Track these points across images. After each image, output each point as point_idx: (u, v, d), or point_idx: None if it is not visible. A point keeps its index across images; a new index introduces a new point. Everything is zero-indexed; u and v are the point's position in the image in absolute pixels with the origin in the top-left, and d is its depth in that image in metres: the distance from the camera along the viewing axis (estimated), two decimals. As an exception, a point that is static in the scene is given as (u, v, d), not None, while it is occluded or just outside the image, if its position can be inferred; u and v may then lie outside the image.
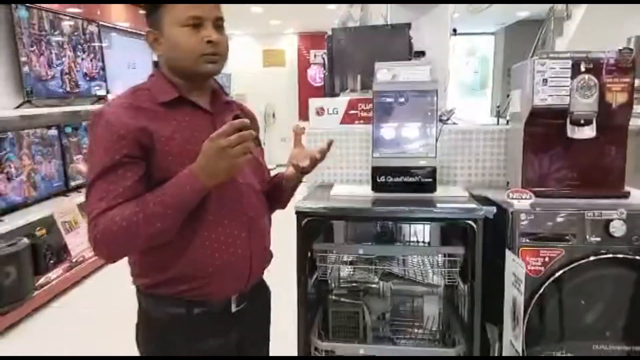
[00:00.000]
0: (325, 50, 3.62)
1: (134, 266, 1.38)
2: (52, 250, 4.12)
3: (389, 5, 3.76)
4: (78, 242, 4.31)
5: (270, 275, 1.53)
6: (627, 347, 1.70)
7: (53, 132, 4.28)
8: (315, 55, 9.38)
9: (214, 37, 1.27)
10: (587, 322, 1.71)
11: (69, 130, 4.51)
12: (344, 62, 3.17)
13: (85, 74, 4.74)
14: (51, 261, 4.07)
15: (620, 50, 1.84)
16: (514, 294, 1.69)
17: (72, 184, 4.50)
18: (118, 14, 5.79)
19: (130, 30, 5.90)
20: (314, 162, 1.48)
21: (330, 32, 3.35)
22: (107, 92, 5.03)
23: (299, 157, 1.50)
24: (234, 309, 1.39)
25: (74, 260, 4.20)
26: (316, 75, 9.42)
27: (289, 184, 1.55)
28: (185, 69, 1.30)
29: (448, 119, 2.35)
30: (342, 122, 2.25)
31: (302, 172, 1.50)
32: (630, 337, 1.70)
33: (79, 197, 4.43)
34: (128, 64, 5.63)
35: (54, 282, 3.89)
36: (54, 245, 4.16)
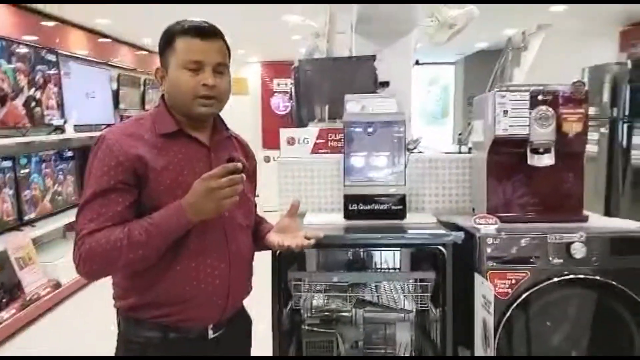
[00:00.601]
0: (292, 81, 3.70)
1: (116, 287, 1.43)
2: (4, 288, 3.96)
3: (353, 37, 3.88)
4: (33, 279, 4.12)
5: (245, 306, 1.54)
6: (592, 366, 1.77)
7: (7, 163, 4.09)
8: (278, 84, 9.50)
9: (210, 82, 1.36)
10: (553, 341, 1.78)
11: (23, 161, 4.31)
12: (310, 92, 3.24)
13: (42, 103, 4.59)
14: (3, 300, 3.88)
15: (574, 83, 1.95)
16: (484, 315, 1.74)
17: (26, 217, 4.29)
18: (77, 42, 5.75)
19: (89, 58, 5.86)
20: (299, 248, 1.53)
21: (296, 63, 3.43)
22: (65, 121, 4.91)
23: (287, 230, 1.56)
24: (210, 335, 1.43)
25: (27, 298, 3.99)
26: (279, 103, 9.52)
27: (266, 244, 1.59)
28: (182, 108, 1.39)
29: (415, 148, 2.42)
30: (312, 152, 2.29)
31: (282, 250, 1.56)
32: (595, 354, 1.76)
33: (33, 232, 4.28)
34: (87, 93, 5.56)
35: (6, 321, 3.70)
36: (7, 283, 3.99)
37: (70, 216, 4.65)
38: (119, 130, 1.38)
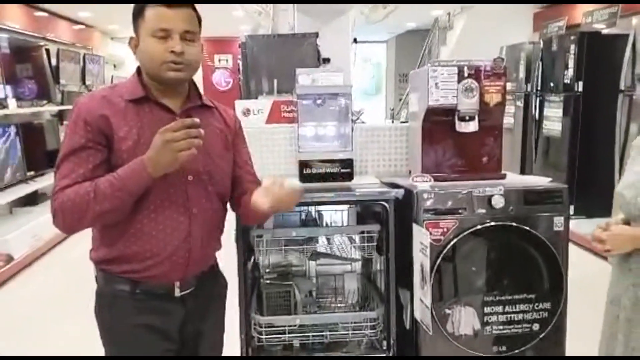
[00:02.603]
0: (239, 57, 3.85)
1: (93, 240, 1.57)
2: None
3: (295, 14, 4.07)
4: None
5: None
6: (509, 297, 2.13)
7: None
8: (219, 60, 9.50)
9: (177, 48, 1.43)
10: (478, 279, 2.12)
11: None
12: (258, 68, 3.42)
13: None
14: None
15: (494, 59, 2.27)
16: (421, 260, 2.04)
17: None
18: (13, 16, 5.53)
19: (26, 32, 5.66)
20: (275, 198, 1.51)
21: (243, 39, 3.59)
22: (5, 97, 4.79)
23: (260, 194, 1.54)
24: (177, 293, 1.54)
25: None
26: (221, 79, 9.53)
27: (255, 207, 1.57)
28: (153, 75, 1.49)
29: (358, 118, 2.69)
30: (267, 122, 2.50)
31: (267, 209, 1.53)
32: (511, 288, 2.13)
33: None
34: (26, 68, 5.40)
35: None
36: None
37: (16, 192, 4.59)
38: (90, 95, 1.52)
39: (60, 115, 6.40)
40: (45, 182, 5.59)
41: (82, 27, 7.58)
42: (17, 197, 4.87)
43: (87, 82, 7.28)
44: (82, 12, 6.88)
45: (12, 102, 4.80)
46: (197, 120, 1.37)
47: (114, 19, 7.64)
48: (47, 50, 5.95)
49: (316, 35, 3.41)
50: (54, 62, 6.17)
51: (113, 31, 8.95)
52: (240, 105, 2.50)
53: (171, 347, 1.56)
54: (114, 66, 9.25)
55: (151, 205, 1.46)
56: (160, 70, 1.46)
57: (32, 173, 5.33)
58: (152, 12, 1.44)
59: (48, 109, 6.04)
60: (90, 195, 1.37)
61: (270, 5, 4.34)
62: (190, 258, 1.53)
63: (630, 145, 1.77)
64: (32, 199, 5.51)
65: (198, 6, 1.52)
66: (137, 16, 1.47)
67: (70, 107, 6.41)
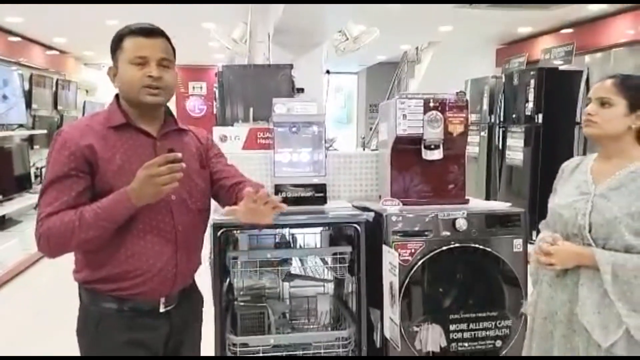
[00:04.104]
0: (216, 85, 3.97)
1: (77, 262, 1.60)
2: None
3: (270, 46, 4.23)
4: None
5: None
6: (473, 314, 2.25)
7: None
8: (194, 87, 9.60)
9: (155, 73, 1.51)
10: (444, 298, 2.24)
11: None
12: (234, 96, 3.55)
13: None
14: None
15: (457, 92, 2.45)
16: (391, 279, 2.15)
17: None
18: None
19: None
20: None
21: (220, 68, 3.71)
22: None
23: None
24: (162, 309, 1.60)
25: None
26: (195, 106, 9.62)
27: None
28: (132, 99, 1.56)
29: (331, 146, 2.82)
30: (243, 148, 2.60)
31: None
32: (475, 306, 2.25)
33: None
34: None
35: None
36: None
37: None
38: (73, 126, 1.58)
39: (30, 140, 6.36)
40: (14, 206, 5.52)
41: (56, 52, 7.59)
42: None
43: (59, 107, 7.26)
44: (57, 37, 6.92)
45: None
46: (179, 155, 1.43)
47: (88, 45, 7.69)
48: (21, 75, 5.97)
49: (291, 66, 3.56)
50: (26, 86, 6.17)
51: (86, 57, 8.97)
52: (217, 131, 2.60)
53: None
54: (87, 92, 9.23)
55: (139, 225, 1.52)
56: (139, 94, 1.53)
57: (0, 197, 5.27)
58: (130, 42, 1.53)
59: (19, 134, 6.01)
60: (75, 224, 1.43)
61: (246, 36, 4.50)
62: (177, 273, 1.59)
63: (561, 167, 1.86)
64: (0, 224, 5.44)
65: (172, 33, 1.62)
66: (116, 47, 1.55)
67: (41, 131, 6.43)
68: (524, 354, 1.90)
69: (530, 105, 5.41)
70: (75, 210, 1.45)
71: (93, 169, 1.50)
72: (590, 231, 1.60)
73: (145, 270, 1.54)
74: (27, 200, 5.87)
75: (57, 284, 4.95)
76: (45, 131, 6.55)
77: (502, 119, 5.74)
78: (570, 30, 6.42)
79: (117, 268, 1.53)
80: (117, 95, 1.62)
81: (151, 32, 1.54)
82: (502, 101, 5.73)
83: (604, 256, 1.56)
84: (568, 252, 1.62)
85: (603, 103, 1.63)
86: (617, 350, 1.54)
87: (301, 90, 3.81)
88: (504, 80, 5.94)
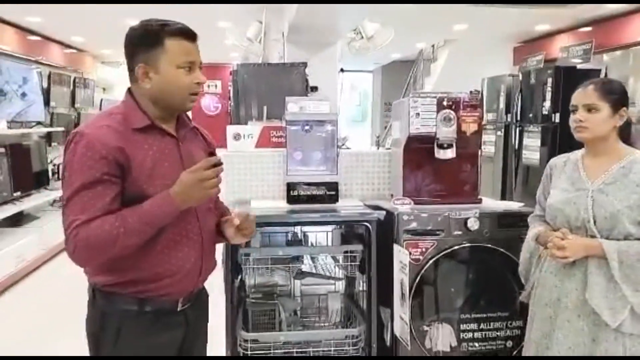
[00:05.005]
0: (230, 83, 3.99)
1: (96, 267, 1.53)
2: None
3: (285, 45, 4.24)
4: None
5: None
6: (484, 315, 2.24)
7: None
8: (209, 86, 9.65)
9: (203, 80, 1.52)
10: (455, 297, 2.23)
11: None
12: (248, 94, 3.56)
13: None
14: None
15: (471, 91, 2.43)
16: (401, 278, 2.15)
17: None
18: (7, 39, 5.65)
19: (19, 55, 5.76)
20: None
21: (235, 67, 3.73)
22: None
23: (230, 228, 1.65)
24: (179, 308, 1.59)
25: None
26: (210, 104, 9.68)
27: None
28: (173, 103, 1.51)
29: (343, 144, 2.83)
30: (256, 146, 2.62)
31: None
32: (486, 306, 2.24)
33: None
34: (17, 90, 5.49)
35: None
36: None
37: (2, 213, 4.60)
38: (95, 125, 1.45)
39: (48, 137, 6.47)
40: (32, 202, 5.62)
41: (74, 51, 7.71)
42: (3, 217, 4.89)
43: (77, 105, 7.37)
44: (75, 36, 7.02)
45: (2, 123, 4.88)
46: (219, 158, 1.47)
47: (105, 44, 7.78)
48: (39, 73, 6.07)
49: (305, 64, 3.56)
50: (45, 84, 6.27)
51: (104, 55, 9.07)
52: (231, 130, 2.62)
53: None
54: (104, 89, 9.34)
55: (170, 228, 1.49)
56: (185, 100, 1.51)
57: (18, 193, 5.36)
58: (176, 44, 1.46)
59: (37, 131, 6.11)
60: (120, 230, 1.37)
61: (261, 35, 4.52)
62: (201, 274, 1.60)
63: (549, 165, 2.03)
64: (17, 220, 5.53)
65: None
66: (154, 45, 1.46)
67: (59, 129, 6.53)
68: (525, 340, 1.98)
69: (548, 104, 5.33)
70: (115, 216, 1.39)
71: (124, 172, 1.43)
72: (595, 223, 1.74)
73: (174, 272, 1.52)
74: (45, 196, 5.96)
75: (74, 280, 5.05)
76: (62, 129, 6.64)
77: (518, 118, 5.67)
78: (588, 29, 6.32)
79: (145, 271, 1.49)
80: (130, 93, 1.54)
81: (195, 35, 1.50)
82: (519, 100, 5.66)
83: (610, 246, 1.70)
84: (579, 244, 1.75)
85: (590, 109, 1.79)
86: (624, 328, 1.70)
87: (315, 88, 3.81)
88: (520, 78, 5.86)
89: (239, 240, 1.69)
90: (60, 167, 1.51)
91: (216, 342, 2.17)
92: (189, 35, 1.49)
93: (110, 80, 9.54)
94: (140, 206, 1.42)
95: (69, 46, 7.53)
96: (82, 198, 1.39)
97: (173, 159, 1.51)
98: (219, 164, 1.44)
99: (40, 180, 5.99)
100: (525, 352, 1.99)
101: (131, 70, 1.50)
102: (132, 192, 1.44)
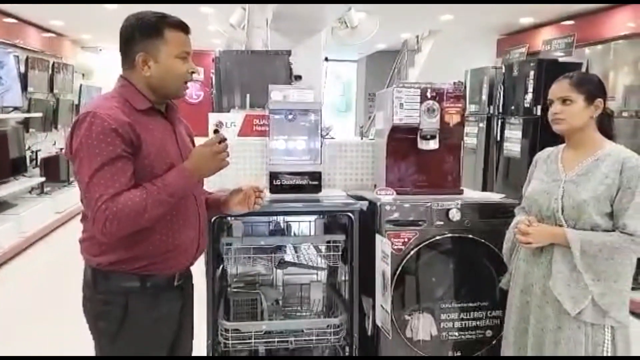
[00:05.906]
0: (213, 70, 3.94)
1: (96, 245, 1.56)
2: None
3: (269, 32, 4.20)
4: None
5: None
6: (464, 304, 2.27)
7: None
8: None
9: (196, 68, 1.65)
10: (436, 287, 2.25)
11: None
12: (231, 82, 3.52)
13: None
14: None
15: (454, 82, 2.43)
16: (383, 268, 2.16)
17: None
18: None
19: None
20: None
21: (217, 54, 3.68)
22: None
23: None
24: (176, 283, 1.69)
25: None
26: (192, 92, 9.54)
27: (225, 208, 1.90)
28: (169, 90, 1.63)
29: (327, 134, 2.81)
30: (239, 135, 2.59)
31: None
32: (466, 296, 2.27)
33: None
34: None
35: None
36: None
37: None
38: (105, 106, 1.51)
39: (26, 123, 6.32)
40: (10, 189, 5.51)
41: (53, 35, 7.52)
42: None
43: (55, 91, 7.22)
44: (54, 20, 6.85)
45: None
46: (225, 135, 1.63)
47: (85, 29, 7.62)
48: (16, 57, 5.92)
49: (289, 52, 3.53)
50: (22, 69, 6.12)
51: (84, 40, 8.88)
52: (213, 117, 2.59)
53: (176, 330, 1.71)
54: (83, 75, 9.16)
55: (176, 205, 1.59)
56: (179, 88, 1.64)
57: (-5, 180, 5.26)
58: (175, 36, 1.59)
59: (14, 117, 5.97)
60: (148, 201, 1.47)
61: (244, 22, 4.46)
62: (198, 248, 1.72)
63: (535, 158, 2.08)
64: (-6, 207, 5.43)
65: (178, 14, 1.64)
66: (155, 35, 1.56)
67: (37, 114, 6.39)
68: (505, 327, 2.04)
69: (529, 96, 5.37)
70: (140, 188, 1.49)
71: (135, 149, 1.51)
72: (562, 213, 1.80)
73: (177, 247, 1.62)
74: (23, 183, 5.84)
75: (53, 267, 4.99)
76: (40, 114, 6.50)
77: (500, 110, 5.71)
78: (571, 22, 6.38)
79: (150, 246, 1.57)
80: (125, 79, 1.61)
81: (188, 28, 1.63)
82: (502, 92, 5.70)
83: (574, 234, 1.76)
84: (543, 231, 1.83)
85: (565, 101, 1.84)
86: (584, 317, 1.75)
87: (299, 77, 3.78)
88: (503, 70, 5.90)
89: (239, 209, 1.86)
90: (68, 147, 1.53)
91: (197, 331, 2.16)
92: (185, 27, 1.62)
93: (90, 66, 9.36)
94: (162, 178, 1.53)
95: (47, 30, 7.35)
96: (105, 174, 1.46)
97: (171, 140, 1.64)
98: (225, 139, 1.60)
99: (17, 168, 5.87)
100: (505, 340, 2.02)
101: (128, 58, 1.59)
102: (141, 169, 1.53)
